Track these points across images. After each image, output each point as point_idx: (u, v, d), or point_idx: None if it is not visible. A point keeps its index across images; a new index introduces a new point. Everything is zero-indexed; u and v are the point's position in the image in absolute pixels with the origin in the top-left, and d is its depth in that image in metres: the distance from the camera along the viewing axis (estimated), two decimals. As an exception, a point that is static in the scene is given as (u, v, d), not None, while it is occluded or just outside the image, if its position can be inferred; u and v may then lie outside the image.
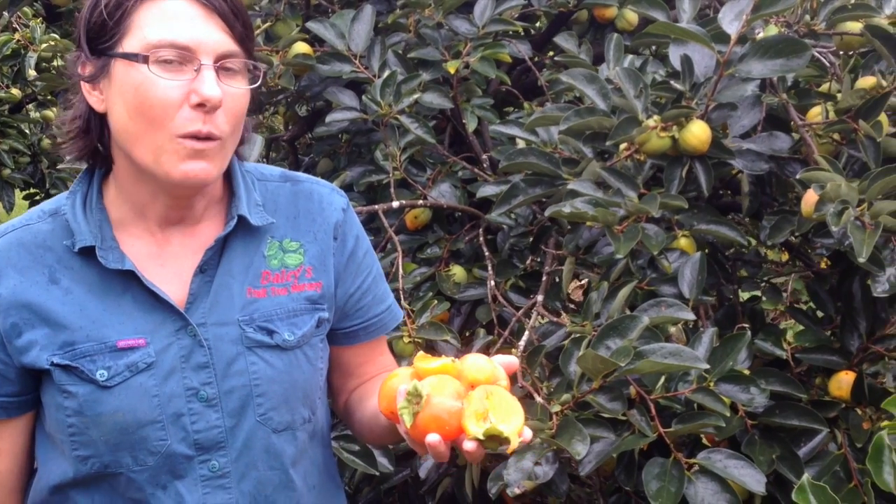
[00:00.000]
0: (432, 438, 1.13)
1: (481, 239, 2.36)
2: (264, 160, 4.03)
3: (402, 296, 2.19)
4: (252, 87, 1.26)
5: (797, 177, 1.84)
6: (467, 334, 2.48)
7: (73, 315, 1.26)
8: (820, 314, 2.25)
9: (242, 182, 1.35)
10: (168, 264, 1.31)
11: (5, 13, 3.49)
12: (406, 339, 2.12)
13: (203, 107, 1.19)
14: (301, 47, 2.55)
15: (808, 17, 1.98)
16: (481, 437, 1.12)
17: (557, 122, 1.91)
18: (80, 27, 1.25)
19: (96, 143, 1.28)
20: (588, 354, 1.55)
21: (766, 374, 1.95)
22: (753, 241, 2.40)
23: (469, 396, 1.15)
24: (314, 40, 2.62)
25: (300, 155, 3.74)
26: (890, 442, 1.41)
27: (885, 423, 1.41)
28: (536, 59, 2.83)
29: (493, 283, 2.24)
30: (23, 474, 1.38)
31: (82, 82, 1.25)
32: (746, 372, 1.92)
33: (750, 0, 1.90)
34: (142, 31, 1.19)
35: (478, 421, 1.13)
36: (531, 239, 2.32)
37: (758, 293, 2.46)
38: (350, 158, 2.93)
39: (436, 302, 2.16)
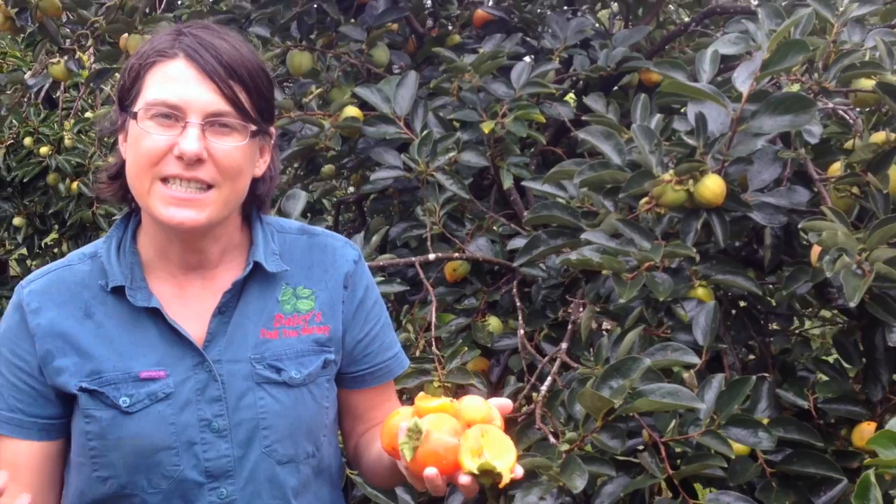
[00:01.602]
0: (430, 472, 1.23)
1: (515, 291, 2.46)
2: (329, 220, 4.23)
3: (434, 344, 2.30)
4: (242, 143, 1.37)
5: (799, 226, 1.89)
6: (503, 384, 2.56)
7: (102, 346, 1.41)
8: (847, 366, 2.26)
9: (261, 232, 1.49)
10: (190, 305, 1.45)
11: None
12: (436, 384, 2.22)
13: (182, 159, 1.33)
14: (351, 111, 2.73)
15: (816, 76, 2.05)
16: (476, 472, 1.22)
17: (572, 176, 2.01)
18: (117, 86, 1.44)
19: (124, 190, 1.44)
20: (587, 392, 1.63)
21: (784, 423, 1.98)
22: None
23: (465, 434, 1.25)
24: (363, 104, 2.79)
25: (367, 216, 3.92)
26: (875, 480, 1.44)
27: (868, 460, 1.42)
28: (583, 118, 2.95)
29: (522, 332, 2.33)
30: (56, 493, 1.51)
31: (119, 134, 1.43)
32: (764, 422, 1.96)
33: (760, 59, 1.99)
34: (145, 92, 1.36)
35: (473, 457, 1.22)
36: (562, 290, 2.41)
37: (789, 346, 2.47)
38: (401, 216, 3.08)
39: (466, 348, 2.26)
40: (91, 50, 3.27)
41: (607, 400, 1.61)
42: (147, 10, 3.18)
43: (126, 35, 3.21)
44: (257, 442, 1.43)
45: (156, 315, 1.42)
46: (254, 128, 1.39)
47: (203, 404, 1.41)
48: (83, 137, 5.15)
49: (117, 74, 3.55)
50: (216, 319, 1.44)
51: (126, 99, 1.39)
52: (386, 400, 1.62)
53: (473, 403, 1.30)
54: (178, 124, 1.34)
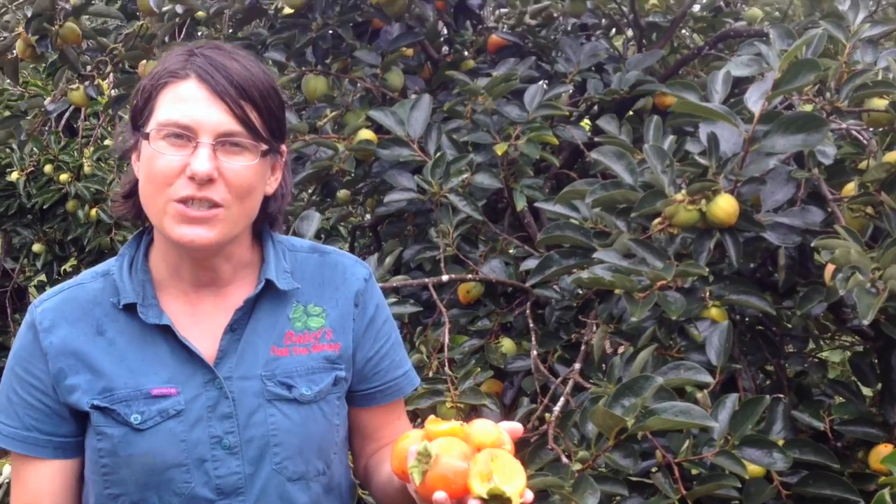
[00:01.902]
0: (439, 496, 1.21)
1: (528, 312, 2.46)
2: (346, 247, 4.24)
3: (447, 365, 2.30)
4: (253, 162, 1.38)
5: (812, 244, 1.89)
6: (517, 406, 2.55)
7: (113, 364, 1.42)
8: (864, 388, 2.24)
9: (273, 250, 1.50)
10: (202, 322, 1.46)
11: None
12: (448, 405, 2.22)
13: (193, 180, 1.34)
14: (365, 134, 2.75)
15: (829, 95, 2.05)
16: (485, 496, 1.20)
17: (584, 196, 2.01)
18: (129, 107, 1.45)
19: (137, 208, 1.46)
20: (598, 410, 1.63)
21: (800, 444, 1.96)
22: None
23: (475, 458, 1.23)
24: (378, 128, 2.81)
25: (382, 240, 3.94)
26: (890, 499, 1.43)
27: (883, 479, 1.41)
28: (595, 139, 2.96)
29: (535, 353, 2.32)
30: None
31: (131, 154, 1.44)
32: (779, 443, 1.94)
33: (772, 80, 1.99)
34: (157, 112, 1.37)
35: (482, 481, 1.21)
36: (575, 311, 2.40)
37: (804, 368, 2.45)
38: (416, 239, 3.09)
39: (479, 369, 2.26)
40: (110, 77, 3.31)
41: (619, 418, 1.61)
42: (166, 39, 3.23)
43: (145, 62, 3.26)
44: (268, 459, 1.43)
45: (167, 332, 1.42)
46: (265, 147, 1.39)
47: (214, 421, 1.42)
48: (102, 165, 5.21)
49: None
50: (227, 337, 1.44)
51: (139, 119, 1.40)
52: (396, 419, 1.62)
53: (483, 427, 1.29)
54: (189, 144, 1.35)
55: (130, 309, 1.43)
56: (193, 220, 1.35)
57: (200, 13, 3.17)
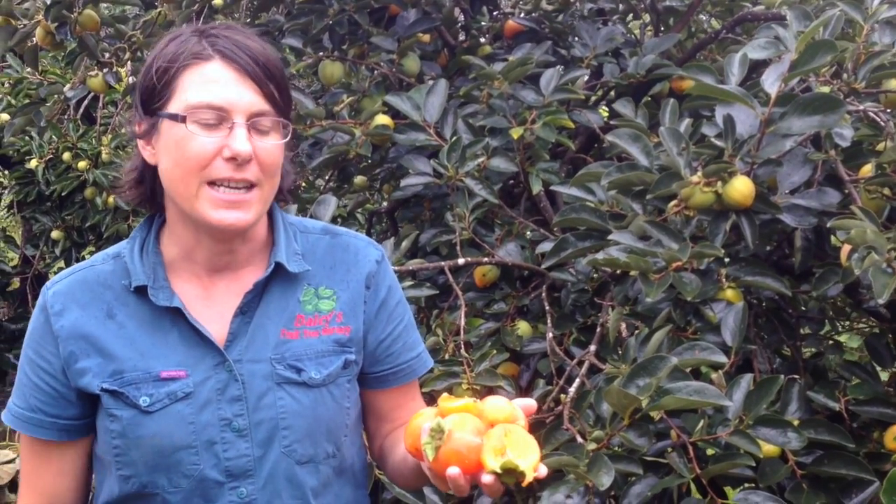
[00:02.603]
0: (453, 471, 1.22)
1: (544, 295, 2.47)
2: (363, 230, 4.26)
3: (463, 348, 2.31)
4: (282, 141, 1.41)
5: (828, 225, 1.89)
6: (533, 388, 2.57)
7: (124, 347, 1.43)
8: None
9: (284, 233, 1.51)
10: (213, 305, 1.47)
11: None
12: (465, 386, 2.23)
13: (234, 160, 1.35)
14: (382, 119, 2.76)
15: (845, 76, 2.04)
16: (499, 471, 1.21)
17: (599, 178, 2.02)
18: (137, 90, 1.45)
19: (149, 193, 1.47)
20: (613, 389, 1.64)
21: (815, 424, 1.96)
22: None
23: (488, 434, 1.24)
24: (395, 114, 2.83)
25: (399, 226, 3.95)
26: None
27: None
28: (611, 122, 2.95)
29: (551, 335, 2.33)
30: (81, 493, 1.54)
31: (138, 139, 1.44)
32: (795, 423, 1.94)
33: (789, 61, 1.99)
34: (184, 94, 1.37)
35: (496, 456, 1.22)
36: (591, 294, 2.41)
37: (821, 349, 2.45)
38: (432, 223, 3.10)
39: (494, 352, 2.27)
40: (128, 64, 3.34)
41: (634, 397, 1.62)
42: (184, 25, 3.25)
43: (162, 48, 3.27)
44: (276, 442, 1.44)
45: (177, 315, 1.44)
46: (289, 124, 1.42)
47: (223, 404, 1.43)
48: (120, 152, 5.25)
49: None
50: (238, 319, 1.46)
51: (154, 101, 1.39)
52: (410, 400, 1.63)
53: (497, 403, 1.29)
54: (223, 126, 1.36)
55: (141, 291, 1.44)
56: (231, 203, 1.37)
57: (218, 0, 3.18)
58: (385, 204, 4.31)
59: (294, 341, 1.47)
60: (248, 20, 3.75)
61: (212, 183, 1.37)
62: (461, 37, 3.63)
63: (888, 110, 2.17)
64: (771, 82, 2.03)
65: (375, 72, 3.05)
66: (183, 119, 1.35)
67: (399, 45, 2.99)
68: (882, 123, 2.25)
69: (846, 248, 1.84)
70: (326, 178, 3.63)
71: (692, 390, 1.66)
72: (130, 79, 3.38)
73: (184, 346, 1.44)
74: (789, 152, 2.11)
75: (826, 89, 2.23)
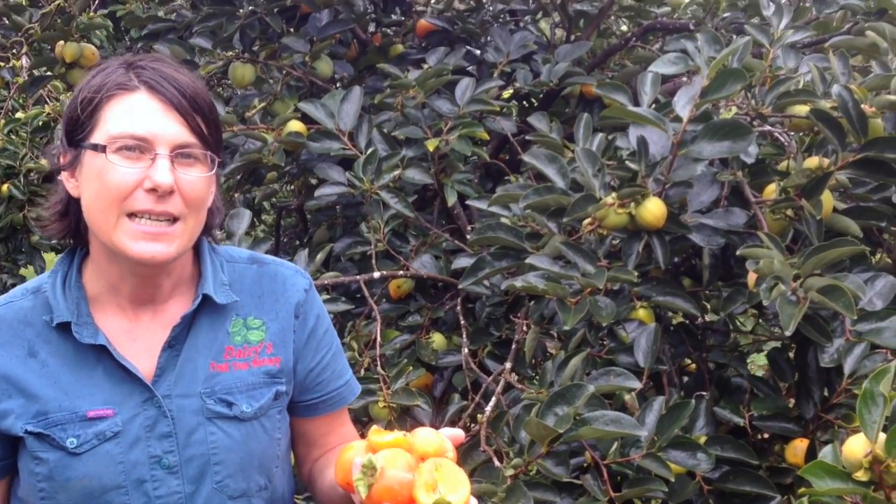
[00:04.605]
0: None
1: (459, 308, 2.48)
2: (270, 220, 4.19)
3: (379, 363, 2.31)
4: (208, 174, 1.38)
5: (737, 253, 1.94)
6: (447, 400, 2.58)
7: (47, 387, 1.38)
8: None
9: (211, 263, 1.47)
10: (139, 339, 1.43)
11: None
12: (381, 404, 2.23)
13: (155, 192, 1.32)
14: (295, 125, 2.72)
15: (753, 102, 2.10)
16: None
17: (517, 200, 2.03)
18: (62, 122, 1.40)
19: (74, 226, 1.42)
20: (532, 421, 1.66)
21: (722, 441, 2.03)
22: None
23: (419, 468, 1.24)
24: (309, 118, 2.78)
25: (309, 222, 3.91)
26: (809, 507, 1.49)
27: (804, 489, 1.48)
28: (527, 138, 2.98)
29: (466, 350, 2.35)
30: None
31: (62, 171, 1.39)
32: (702, 439, 2.01)
33: (700, 86, 2.03)
34: (107, 125, 1.33)
35: (428, 492, 1.22)
36: (506, 308, 2.43)
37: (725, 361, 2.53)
38: (345, 229, 3.08)
39: (411, 368, 2.27)
40: (24, 59, 3.20)
41: (552, 430, 1.64)
42: (79, 13, 3.12)
43: (62, 42, 3.15)
44: (209, 477, 1.42)
45: (103, 351, 1.39)
46: (216, 158, 1.39)
47: (153, 441, 1.40)
48: (14, 138, 5.01)
49: (56, 82, 3.48)
50: (165, 353, 1.42)
51: (78, 133, 1.35)
52: (339, 425, 1.62)
53: (426, 436, 1.30)
54: (145, 157, 1.32)
55: (64, 327, 1.39)
56: (152, 235, 1.33)
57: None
58: (294, 200, 4.26)
59: (224, 374, 1.45)
60: (147, 7, 3.63)
61: (132, 215, 1.33)
62: (371, 27, 3.58)
63: (791, 132, 2.24)
64: (682, 105, 2.07)
65: (286, 74, 3.00)
66: (103, 149, 1.32)
67: (311, 46, 2.94)
68: (785, 143, 2.33)
69: (753, 275, 1.90)
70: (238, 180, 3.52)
71: (609, 420, 1.70)
72: (26, 73, 3.23)
73: (110, 383, 1.39)
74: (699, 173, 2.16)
75: (734, 110, 2.30)
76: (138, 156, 1.32)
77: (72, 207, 1.41)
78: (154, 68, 1.37)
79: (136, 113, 1.33)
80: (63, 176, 1.40)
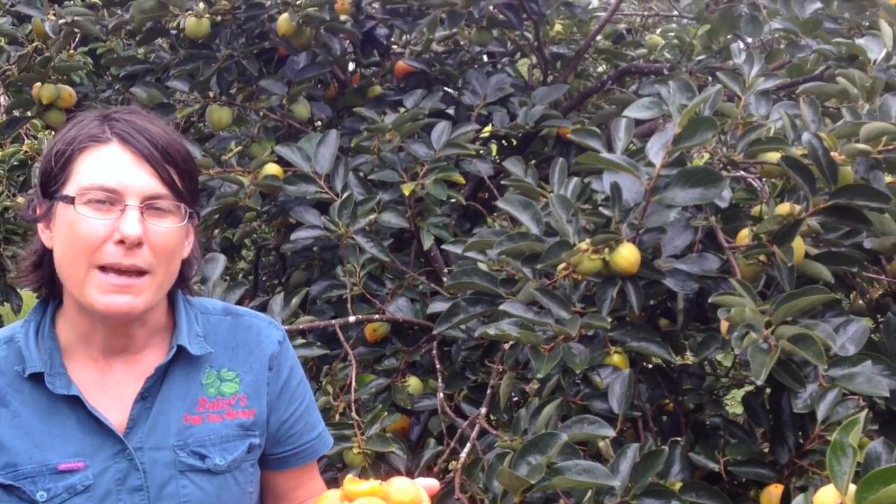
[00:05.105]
0: None
1: (435, 351, 2.48)
2: (250, 256, 4.18)
3: (353, 408, 2.29)
4: (180, 224, 1.38)
5: (710, 300, 1.95)
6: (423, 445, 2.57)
7: (18, 438, 1.36)
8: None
9: (185, 314, 1.47)
10: (111, 390, 1.42)
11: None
12: (356, 450, 2.22)
13: (123, 244, 1.31)
14: (271, 168, 2.72)
15: (724, 150, 2.13)
16: None
17: (491, 246, 2.04)
18: (38, 173, 1.40)
19: (48, 277, 1.41)
20: (504, 472, 1.65)
21: (696, 488, 2.03)
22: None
23: None
24: (285, 161, 2.79)
25: (287, 264, 3.90)
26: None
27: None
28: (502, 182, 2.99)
29: (441, 395, 2.34)
30: None
31: (37, 222, 1.39)
32: (677, 486, 2.00)
33: (672, 133, 2.05)
34: (78, 176, 1.33)
35: None
36: (482, 352, 2.43)
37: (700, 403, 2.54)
38: (322, 271, 3.07)
39: (385, 413, 2.26)
40: (1, 98, 3.19)
41: (524, 480, 1.63)
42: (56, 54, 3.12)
43: (39, 84, 3.15)
44: None
45: (75, 402, 1.38)
46: (188, 210, 1.38)
47: (124, 494, 1.38)
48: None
49: (35, 120, 3.48)
50: (138, 405, 1.41)
51: (52, 184, 1.36)
52: (309, 479, 1.61)
53: (402, 486, 1.30)
54: (115, 208, 1.32)
55: (37, 378, 1.38)
56: (120, 288, 1.33)
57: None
58: (273, 238, 4.25)
59: (197, 426, 1.44)
60: (127, 46, 3.63)
61: (101, 268, 1.33)
62: (351, 67, 3.60)
63: (763, 178, 2.26)
64: (655, 151, 2.09)
65: (263, 115, 3.00)
66: (73, 200, 1.32)
67: (289, 89, 2.95)
68: (758, 189, 2.35)
69: (726, 322, 1.91)
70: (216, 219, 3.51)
71: (582, 469, 1.69)
72: (3, 115, 3.23)
73: (81, 433, 1.38)
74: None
75: (707, 157, 2.32)
76: (108, 208, 1.32)
77: (46, 258, 1.41)
78: (127, 120, 1.37)
79: (107, 165, 1.34)
80: (39, 227, 1.40)
